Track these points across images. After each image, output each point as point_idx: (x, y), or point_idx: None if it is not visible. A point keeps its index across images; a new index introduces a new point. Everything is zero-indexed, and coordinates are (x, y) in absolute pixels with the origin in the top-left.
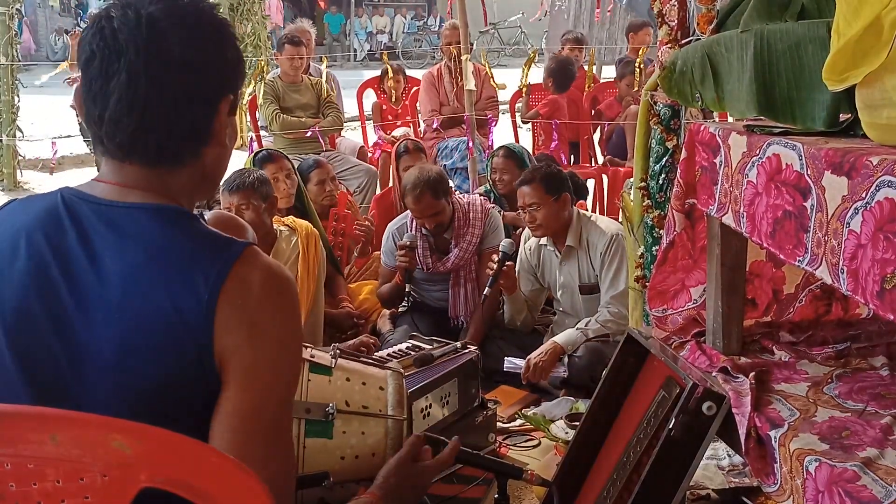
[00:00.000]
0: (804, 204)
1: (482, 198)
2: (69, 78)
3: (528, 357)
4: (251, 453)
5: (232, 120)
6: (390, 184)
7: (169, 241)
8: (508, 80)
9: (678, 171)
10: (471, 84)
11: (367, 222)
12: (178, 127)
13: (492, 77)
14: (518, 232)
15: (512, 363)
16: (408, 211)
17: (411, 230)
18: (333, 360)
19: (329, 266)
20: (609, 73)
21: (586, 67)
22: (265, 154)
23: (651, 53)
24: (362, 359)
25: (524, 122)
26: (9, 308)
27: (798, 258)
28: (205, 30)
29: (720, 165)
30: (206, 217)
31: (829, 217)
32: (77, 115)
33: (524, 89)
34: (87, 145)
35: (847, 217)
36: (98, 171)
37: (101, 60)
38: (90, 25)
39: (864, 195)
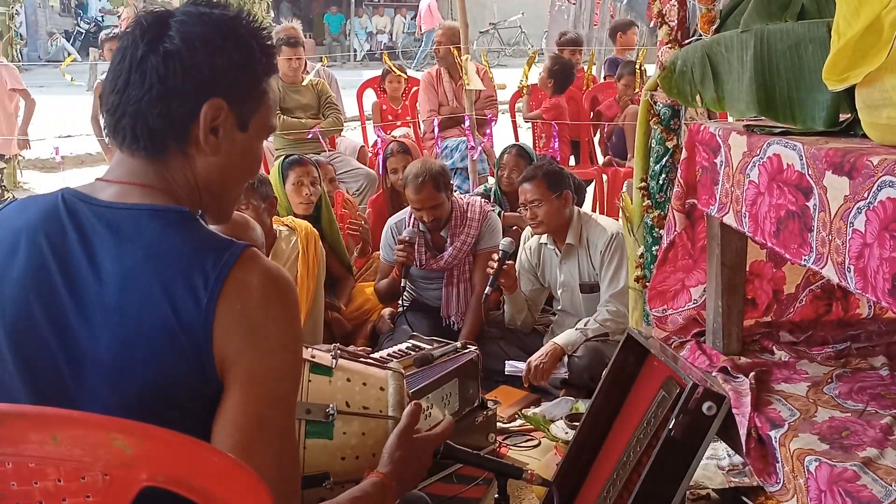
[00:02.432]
0: (807, 203)
1: (482, 200)
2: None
3: (529, 360)
4: (256, 457)
5: (240, 137)
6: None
7: (168, 242)
8: (508, 80)
9: (678, 170)
10: (475, 83)
11: (361, 221)
12: (150, 115)
13: (491, 77)
14: (515, 228)
15: (513, 366)
16: (407, 207)
17: (409, 226)
18: (334, 361)
19: (341, 267)
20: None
21: (586, 68)
22: (295, 158)
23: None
24: (363, 359)
25: (526, 121)
26: (9, 309)
27: (804, 257)
28: (205, 30)
29: (721, 165)
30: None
31: (832, 216)
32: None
33: (524, 89)
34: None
35: (850, 217)
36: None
37: (123, 46)
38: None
39: (866, 195)
